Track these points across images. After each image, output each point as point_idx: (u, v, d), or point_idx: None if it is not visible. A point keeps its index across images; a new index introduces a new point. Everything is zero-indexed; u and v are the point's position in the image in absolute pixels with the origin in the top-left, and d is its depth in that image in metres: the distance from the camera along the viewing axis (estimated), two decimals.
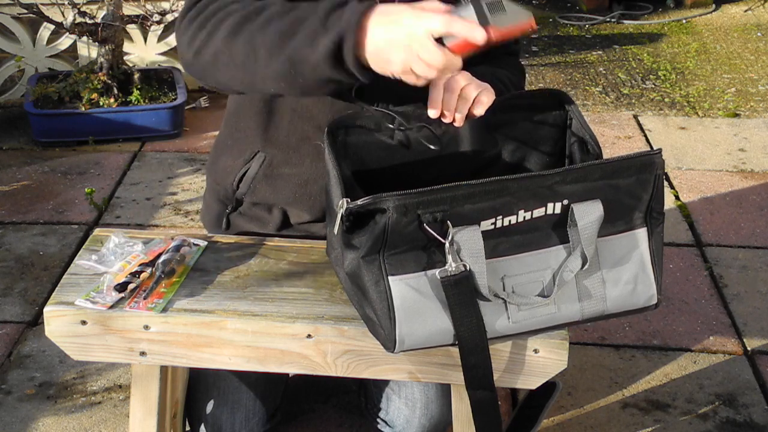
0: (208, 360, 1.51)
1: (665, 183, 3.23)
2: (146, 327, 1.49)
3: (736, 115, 3.85)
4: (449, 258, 1.36)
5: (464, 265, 1.36)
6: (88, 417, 2.13)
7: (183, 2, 1.57)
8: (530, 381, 1.50)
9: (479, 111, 1.48)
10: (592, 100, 4.01)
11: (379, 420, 1.90)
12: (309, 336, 1.48)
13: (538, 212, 1.40)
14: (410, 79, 1.32)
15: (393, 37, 1.27)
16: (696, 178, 3.29)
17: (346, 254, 1.40)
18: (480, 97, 1.47)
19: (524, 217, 1.40)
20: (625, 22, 5.08)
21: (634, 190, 1.44)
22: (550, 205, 1.40)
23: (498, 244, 1.40)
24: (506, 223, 1.39)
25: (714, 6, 5.28)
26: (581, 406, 2.17)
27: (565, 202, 1.41)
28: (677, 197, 3.15)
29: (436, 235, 1.36)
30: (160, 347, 1.51)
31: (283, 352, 1.49)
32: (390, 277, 1.37)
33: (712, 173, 3.33)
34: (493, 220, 1.38)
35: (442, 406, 1.81)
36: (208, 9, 1.44)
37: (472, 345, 1.39)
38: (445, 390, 1.78)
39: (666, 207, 3.23)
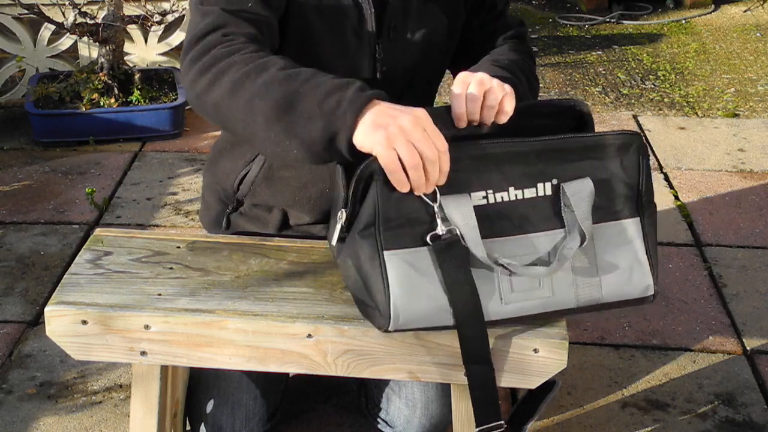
0: (208, 360, 1.52)
1: (665, 183, 3.24)
2: (147, 327, 1.49)
3: (736, 116, 3.86)
4: (439, 221, 1.38)
5: (456, 229, 1.38)
6: (88, 416, 2.13)
7: (184, 2, 1.60)
8: (530, 381, 1.50)
9: (503, 119, 1.48)
10: (591, 100, 4.01)
11: (379, 420, 1.91)
12: (309, 336, 1.48)
13: (530, 192, 1.43)
14: (398, 180, 1.34)
15: (377, 137, 1.30)
16: (695, 178, 3.29)
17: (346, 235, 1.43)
18: (503, 105, 1.47)
19: (516, 195, 1.43)
20: (624, 22, 5.08)
21: (621, 174, 1.47)
22: (540, 186, 1.43)
23: (493, 225, 1.42)
24: (498, 199, 1.42)
25: (713, 6, 5.28)
26: (581, 406, 2.17)
27: (555, 181, 1.44)
28: (677, 197, 3.15)
29: (425, 197, 1.38)
30: (160, 347, 1.51)
31: (283, 352, 1.50)
32: (385, 252, 1.39)
33: (712, 173, 3.33)
34: (483, 193, 1.41)
35: (443, 407, 1.81)
36: (211, 53, 1.42)
37: (466, 313, 1.40)
38: (445, 390, 1.79)
39: (665, 207, 3.23)
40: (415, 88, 1.72)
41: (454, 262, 1.38)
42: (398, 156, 1.30)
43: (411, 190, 1.35)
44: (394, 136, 1.30)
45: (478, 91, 1.45)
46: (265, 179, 1.75)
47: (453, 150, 1.37)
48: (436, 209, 1.39)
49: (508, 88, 1.48)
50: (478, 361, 1.43)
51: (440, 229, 1.39)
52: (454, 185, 1.40)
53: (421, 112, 1.33)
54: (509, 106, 1.47)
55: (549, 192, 1.44)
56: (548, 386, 1.61)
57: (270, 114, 1.34)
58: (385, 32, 1.64)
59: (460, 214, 1.39)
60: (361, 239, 1.39)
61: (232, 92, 1.37)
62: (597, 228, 1.46)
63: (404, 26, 1.66)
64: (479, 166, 1.41)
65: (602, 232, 1.46)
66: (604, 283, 1.45)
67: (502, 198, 1.42)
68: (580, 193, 1.43)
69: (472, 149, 1.41)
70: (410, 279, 1.39)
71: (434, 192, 1.38)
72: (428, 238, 1.39)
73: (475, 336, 1.41)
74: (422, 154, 1.31)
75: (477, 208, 1.41)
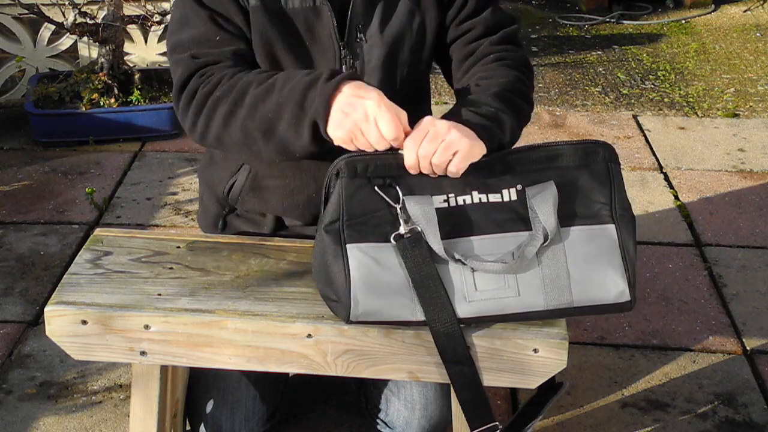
0: (208, 359, 1.52)
1: (665, 183, 3.24)
2: (146, 327, 1.49)
3: (736, 115, 3.85)
4: (401, 221, 1.42)
5: (417, 227, 1.42)
6: (88, 416, 2.13)
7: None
8: (530, 381, 1.50)
9: (453, 175, 1.46)
10: (591, 100, 4.01)
11: (378, 420, 1.91)
12: (309, 336, 1.48)
13: (494, 197, 1.45)
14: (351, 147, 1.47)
15: (347, 119, 1.45)
16: (695, 178, 3.29)
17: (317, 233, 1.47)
18: (450, 168, 1.44)
19: (480, 199, 1.45)
20: (624, 22, 5.08)
21: (590, 182, 1.48)
22: (505, 192, 1.46)
23: (457, 226, 1.44)
24: (461, 202, 1.45)
25: (713, 6, 5.28)
26: (581, 406, 2.17)
27: (519, 187, 1.46)
28: (676, 197, 3.15)
29: (387, 198, 1.42)
30: (160, 347, 1.51)
31: (283, 352, 1.50)
32: (348, 245, 1.43)
33: (712, 173, 3.33)
34: (444, 196, 1.44)
35: (442, 407, 1.81)
36: (196, 97, 1.57)
37: (435, 308, 1.42)
38: (444, 391, 1.79)
39: (665, 207, 3.23)
40: (393, 88, 1.71)
41: (419, 258, 1.41)
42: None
43: (372, 187, 1.43)
44: (352, 134, 1.44)
45: (428, 150, 1.43)
46: (252, 189, 1.76)
47: None
48: (398, 210, 1.42)
49: (462, 145, 1.43)
50: (458, 360, 1.44)
51: (402, 229, 1.42)
52: (416, 189, 1.44)
53: (371, 103, 1.43)
54: (454, 167, 1.44)
55: (514, 197, 1.46)
56: (555, 388, 1.60)
57: (264, 130, 1.50)
58: (351, 33, 1.65)
59: (421, 212, 1.42)
60: (326, 234, 1.43)
61: (226, 125, 1.53)
62: (569, 232, 1.46)
63: (369, 27, 1.65)
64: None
65: (574, 237, 1.46)
66: (575, 287, 1.45)
67: (464, 201, 1.45)
68: (542, 195, 1.45)
69: None
70: (371, 271, 1.42)
71: (396, 193, 1.43)
72: (392, 238, 1.42)
73: (447, 332, 1.42)
74: (372, 144, 1.44)
75: (439, 210, 1.44)
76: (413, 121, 1.81)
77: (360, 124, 1.43)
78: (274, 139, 1.50)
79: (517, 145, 1.53)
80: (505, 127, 1.54)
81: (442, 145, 1.43)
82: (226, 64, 1.59)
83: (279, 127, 1.48)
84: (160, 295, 1.53)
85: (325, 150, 1.51)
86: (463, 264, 1.42)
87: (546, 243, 1.44)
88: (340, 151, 1.48)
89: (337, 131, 1.44)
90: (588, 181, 1.48)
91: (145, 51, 3.90)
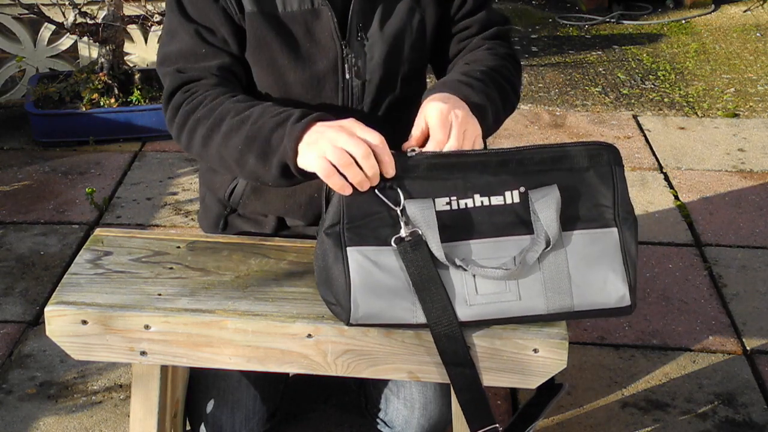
0: (208, 360, 1.52)
1: (665, 183, 3.24)
2: (147, 327, 1.49)
3: (736, 115, 3.86)
4: (402, 224, 1.41)
5: (418, 231, 1.41)
6: (88, 416, 2.13)
7: None
8: (530, 381, 1.50)
9: None
10: (591, 100, 4.01)
11: (378, 420, 1.91)
12: (309, 336, 1.48)
13: (497, 199, 1.44)
14: (335, 183, 1.41)
15: (311, 155, 1.41)
16: (695, 178, 3.29)
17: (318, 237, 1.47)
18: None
19: (482, 202, 1.44)
20: (624, 22, 5.08)
21: (594, 184, 1.47)
22: (507, 194, 1.45)
23: (458, 230, 1.44)
24: (462, 205, 1.44)
25: (713, 6, 5.28)
26: (581, 406, 2.17)
27: (522, 189, 1.44)
28: (676, 197, 3.15)
29: (387, 201, 1.41)
30: (160, 347, 1.51)
31: (283, 352, 1.50)
32: (348, 248, 1.42)
33: (712, 173, 3.33)
34: (447, 199, 1.43)
35: (441, 407, 1.81)
36: (180, 112, 1.61)
37: (436, 312, 1.42)
38: (444, 390, 1.79)
39: (665, 207, 3.23)
40: (394, 85, 1.72)
41: (420, 261, 1.41)
42: (331, 162, 1.39)
43: (372, 189, 1.41)
44: (324, 147, 1.39)
45: (454, 144, 1.46)
46: (253, 191, 1.77)
47: (413, 158, 1.43)
48: (398, 212, 1.41)
49: (477, 131, 1.48)
50: (459, 362, 1.44)
51: (403, 232, 1.41)
52: (419, 192, 1.43)
53: (346, 121, 1.42)
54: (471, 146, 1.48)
55: (517, 200, 1.45)
56: (554, 389, 1.60)
57: (236, 158, 1.52)
58: (352, 31, 1.65)
59: (422, 216, 1.41)
60: (326, 237, 1.43)
61: (205, 146, 1.58)
62: (571, 236, 1.46)
63: (371, 25, 1.66)
64: (442, 174, 1.44)
65: (576, 241, 1.46)
66: (576, 291, 1.45)
67: (466, 204, 1.44)
68: (545, 199, 1.44)
69: (434, 157, 1.44)
70: (372, 274, 1.42)
71: (397, 195, 1.42)
72: (392, 241, 1.41)
73: (448, 335, 1.42)
74: (351, 153, 1.38)
75: (442, 213, 1.43)
76: (410, 119, 1.82)
77: (334, 140, 1.39)
78: (247, 169, 1.52)
79: (518, 145, 1.53)
80: (492, 94, 1.59)
81: (466, 136, 1.46)
82: (210, 81, 1.62)
83: (249, 159, 1.50)
84: (160, 295, 1.53)
85: (292, 185, 1.52)
86: (464, 270, 1.42)
87: (548, 248, 1.43)
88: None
89: (313, 162, 1.41)
90: (592, 183, 1.47)
91: (145, 51, 3.90)
